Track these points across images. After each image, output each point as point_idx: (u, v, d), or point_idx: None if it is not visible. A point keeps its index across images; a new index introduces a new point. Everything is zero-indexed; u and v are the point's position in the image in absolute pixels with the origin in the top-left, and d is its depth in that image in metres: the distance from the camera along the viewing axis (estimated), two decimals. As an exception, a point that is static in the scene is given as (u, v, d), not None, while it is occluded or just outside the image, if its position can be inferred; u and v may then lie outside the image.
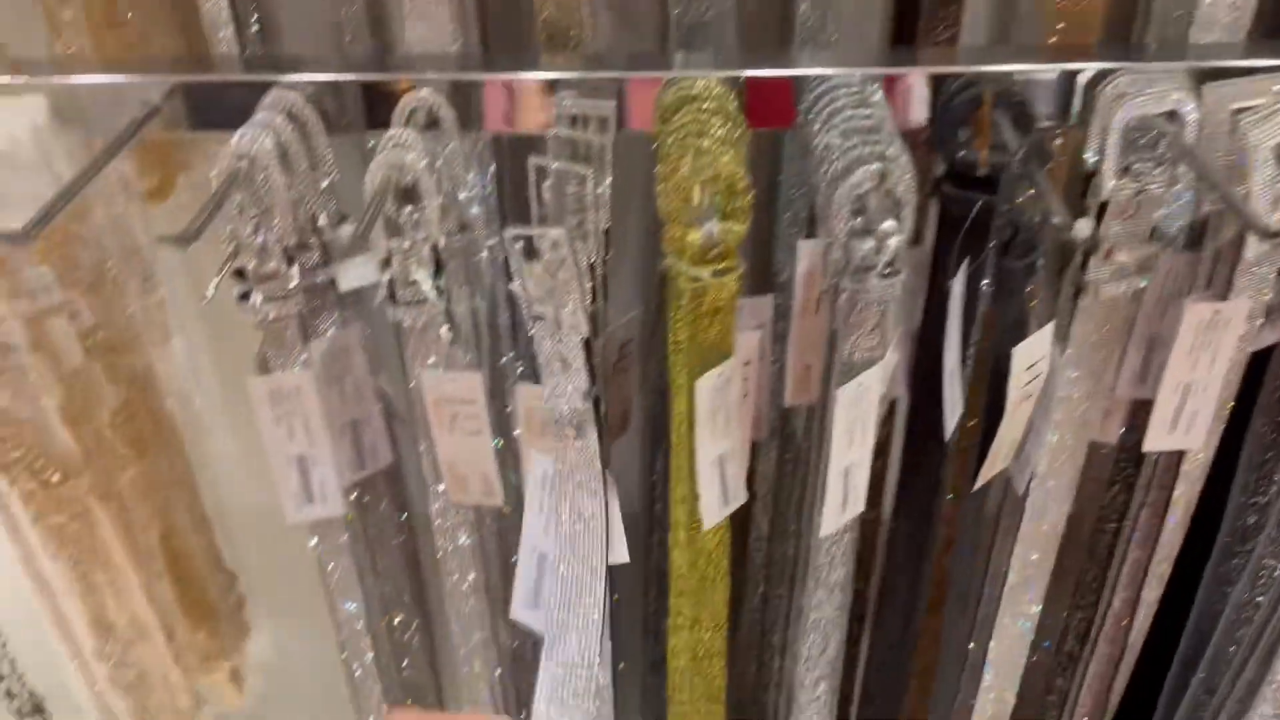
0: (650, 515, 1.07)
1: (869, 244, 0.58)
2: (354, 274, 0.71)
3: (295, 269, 0.66)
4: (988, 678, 0.89)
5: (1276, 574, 0.79)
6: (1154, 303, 0.75)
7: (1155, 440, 0.75)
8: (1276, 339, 0.75)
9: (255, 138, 0.63)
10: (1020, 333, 0.67)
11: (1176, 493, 0.79)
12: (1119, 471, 0.86)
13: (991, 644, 0.86)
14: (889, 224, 0.53)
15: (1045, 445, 0.76)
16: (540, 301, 0.63)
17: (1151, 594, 0.87)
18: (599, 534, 0.70)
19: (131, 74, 0.69)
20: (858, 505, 0.69)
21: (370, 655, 0.85)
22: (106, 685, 0.81)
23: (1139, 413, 0.83)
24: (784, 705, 0.83)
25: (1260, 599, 0.81)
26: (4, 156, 0.64)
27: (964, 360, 0.74)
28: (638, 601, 1.15)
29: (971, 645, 0.88)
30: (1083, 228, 0.54)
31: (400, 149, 0.63)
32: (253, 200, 0.65)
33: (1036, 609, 0.85)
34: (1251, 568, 0.80)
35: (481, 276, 0.80)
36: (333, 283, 0.71)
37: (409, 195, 0.65)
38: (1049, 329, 0.66)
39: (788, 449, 0.84)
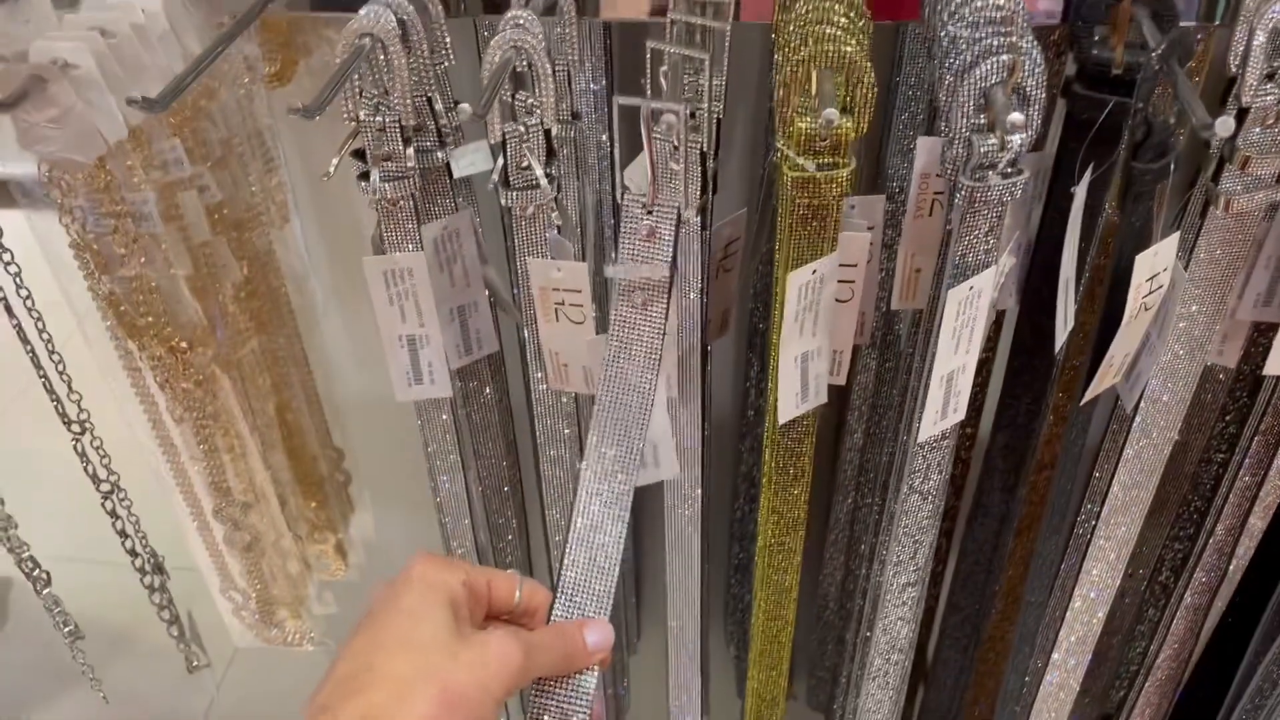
0: (743, 421, 1.08)
1: (992, 140, 0.57)
2: (467, 161, 0.72)
3: (411, 150, 0.67)
4: (1078, 600, 0.88)
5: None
6: (1287, 222, 0.72)
7: (1277, 363, 0.72)
8: None
9: (379, 15, 0.64)
10: (1145, 240, 0.65)
11: (1294, 422, 0.76)
12: (1233, 399, 0.83)
13: (1085, 564, 0.85)
14: (1016, 116, 0.51)
15: (1159, 363, 0.74)
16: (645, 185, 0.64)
17: (1258, 523, 0.85)
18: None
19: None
20: (959, 413, 0.69)
21: (470, 533, 0.88)
22: (224, 546, 0.85)
23: (1260, 338, 0.80)
24: (869, 609, 0.84)
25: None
26: (138, 29, 0.66)
27: (1080, 272, 0.72)
28: (725, 507, 1.17)
29: (1063, 566, 0.87)
30: (1224, 126, 0.52)
31: (520, 29, 0.63)
32: (374, 81, 0.66)
33: (1135, 530, 0.84)
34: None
35: (591, 170, 0.81)
36: (447, 167, 0.73)
37: (523, 80, 0.65)
38: (1174, 238, 0.64)
39: (888, 356, 0.83)
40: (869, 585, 0.85)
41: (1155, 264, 0.64)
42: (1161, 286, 0.66)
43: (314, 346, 0.95)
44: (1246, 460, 0.81)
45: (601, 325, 0.78)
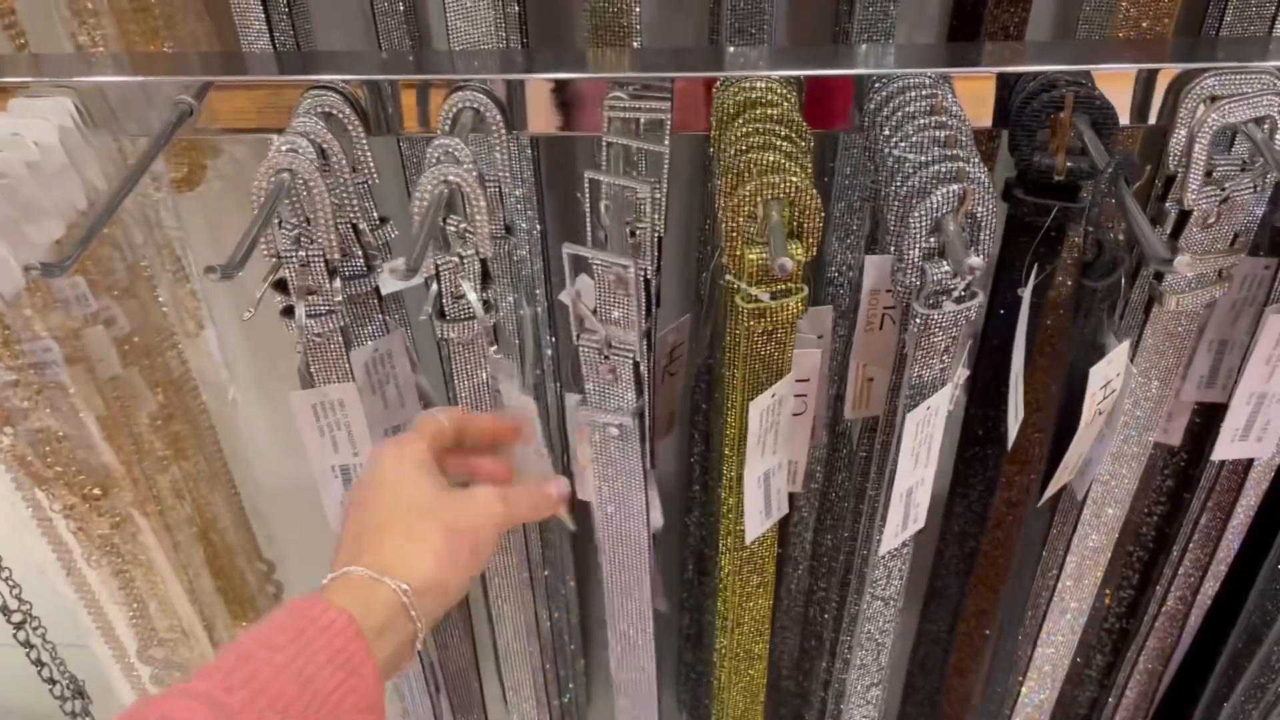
0: (688, 495, 1.06)
1: (945, 267, 0.55)
2: (399, 282, 0.69)
3: (338, 283, 0.64)
4: (1032, 678, 0.88)
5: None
6: (1228, 308, 0.72)
7: (1225, 449, 0.73)
8: (1355, 344, 0.72)
9: (296, 146, 0.60)
10: (1097, 351, 0.64)
11: (1241, 499, 0.77)
12: (1181, 473, 0.84)
13: (1041, 639, 0.85)
14: (975, 260, 0.50)
15: (1110, 450, 0.73)
16: (592, 318, 0.61)
17: (1208, 590, 0.85)
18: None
19: (163, 74, 0.66)
20: (918, 522, 0.67)
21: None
22: (152, 686, 0.80)
23: (1203, 415, 0.81)
24: (834, 704, 0.82)
25: (1322, 603, 0.79)
26: (33, 168, 0.61)
27: (1027, 367, 0.71)
28: (674, 583, 1.15)
29: (1025, 628, 0.87)
30: (1183, 264, 0.51)
31: (450, 158, 0.60)
32: (293, 209, 0.62)
33: (1089, 604, 0.84)
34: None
35: (525, 281, 0.78)
36: (375, 289, 0.69)
37: (451, 201, 0.62)
38: (1124, 347, 0.64)
39: (839, 448, 0.82)
40: (830, 680, 0.84)
41: (1108, 373, 0.63)
42: (1114, 391, 0.66)
43: (237, 456, 0.90)
44: (1196, 535, 0.82)
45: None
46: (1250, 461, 0.75)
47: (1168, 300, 0.64)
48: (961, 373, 0.62)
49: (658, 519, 0.72)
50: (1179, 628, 0.88)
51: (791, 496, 0.84)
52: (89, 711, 0.92)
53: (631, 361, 0.62)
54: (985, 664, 1.03)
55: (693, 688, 1.22)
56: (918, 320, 0.57)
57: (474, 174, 0.60)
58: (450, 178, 0.58)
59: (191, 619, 0.80)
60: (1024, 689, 0.89)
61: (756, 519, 0.68)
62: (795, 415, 0.66)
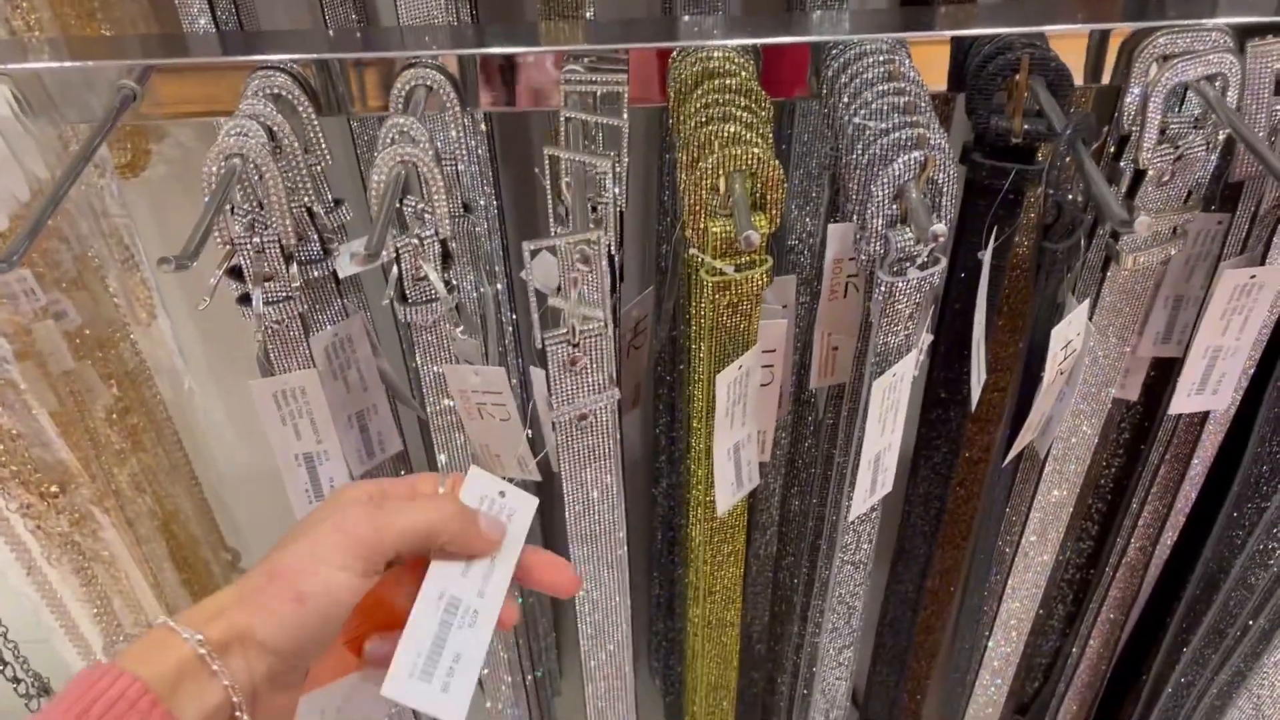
0: (655, 465, 1.06)
1: (909, 234, 0.56)
2: (356, 266, 0.68)
3: (295, 269, 0.63)
4: (999, 632, 0.89)
5: (1295, 524, 0.79)
6: (1182, 264, 0.73)
7: (1181, 403, 0.74)
8: (1305, 296, 0.73)
9: (246, 130, 0.59)
10: (1057, 312, 0.65)
11: (1198, 451, 0.78)
12: (1138, 426, 0.85)
13: (1008, 589, 0.87)
14: (938, 227, 0.50)
15: (1071, 406, 0.74)
16: (557, 299, 0.61)
17: (1167, 540, 0.87)
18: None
19: (102, 58, 0.64)
20: (886, 486, 0.68)
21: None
22: (120, 681, 0.79)
23: (1159, 369, 0.82)
24: (806, 668, 0.83)
25: (1277, 547, 0.81)
26: (-29, 158, 0.59)
27: (990, 329, 0.72)
28: (642, 545, 1.16)
29: (991, 579, 0.88)
30: (1143, 225, 0.52)
31: (406, 139, 0.59)
32: (245, 194, 0.61)
33: (1052, 558, 0.85)
34: (1270, 516, 0.80)
35: (485, 258, 0.77)
36: (333, 273, 0.68)
37: (407, 183, 0.61)
38: (1084, 307, 0.64)
39: (804, 415, 0.82)
40: (803, 644, 0.85)
41: (1068, 332, 0.64)
42: (1075, 351, 0.66)
43: (196, 446, 0.89)
44: (1155, 486, 0.83)
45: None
46: (1206, 414, 0.77)
47: (1125, 259, 0.65)
48: (925, 338, 0.62)
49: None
50: (1139, 577, 0.90)
51: (760, 465, 0.85)
52: (55, 709, 0.91)
53: (599, 339, 0.61)
54: (952, 621, 1.04)
55: (664, 656, 1.23)
56: (882, 288, 0.57)
57: (430, 153, 0.59)
58: (407, 158, 0.57)
59: (157, 613, 0.79)
60: (990, 643, 0.90)
61: (728, 490, 0.68)
62: (763, 386, 0.66)
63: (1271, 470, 0.82)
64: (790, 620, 0.90)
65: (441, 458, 0.72)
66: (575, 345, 0.59)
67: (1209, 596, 0.89)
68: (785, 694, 0.94)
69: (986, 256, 0.66)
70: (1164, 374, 0.83)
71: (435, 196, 0.60)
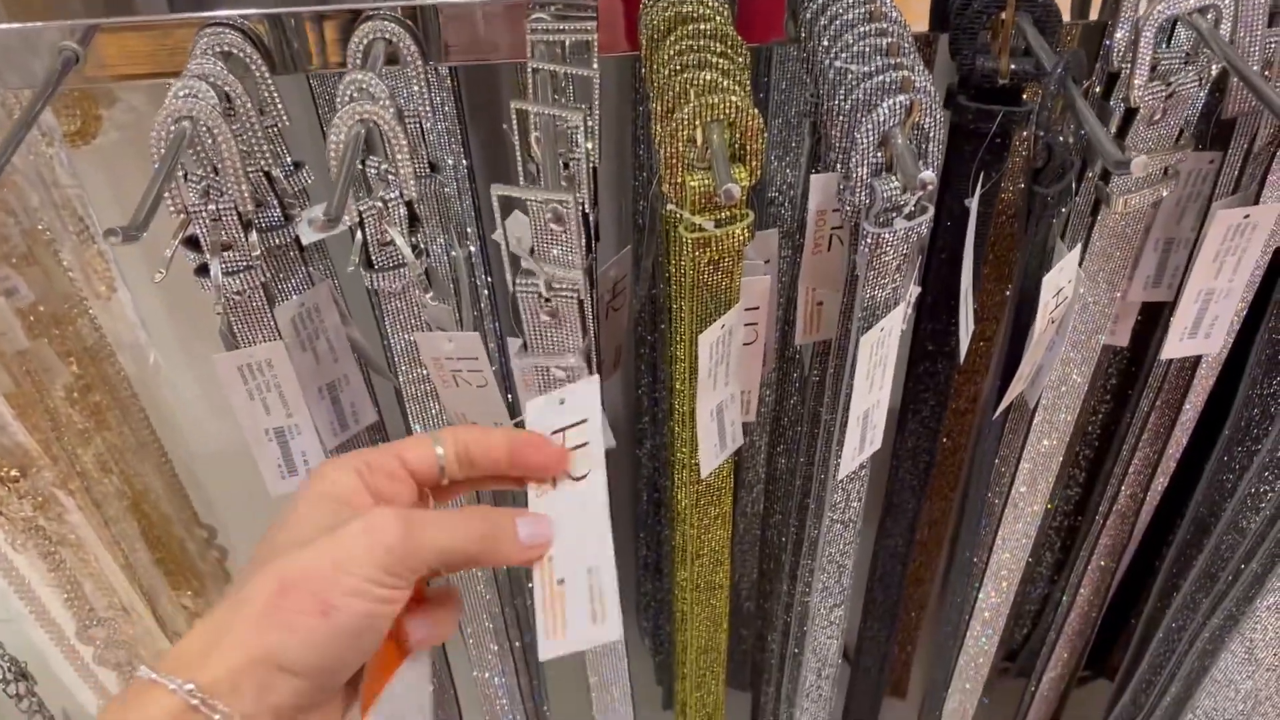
0: (637, 427, 1.04)
1: (895, 183, 0.53)
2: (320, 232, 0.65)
3: (255, 236, 0.60)
4: (989, 583, 0.88)
5: (1287, 467, 0.78)
6: (1173, 205, 0.71)
7: (1173, 348, 0.72)
8: (1298, 235, 0.72)
9: (195, 91, 0.55)
10: (1046, 258, 0.63)
11: (1189, 396, 0.77)
12: (1127, 372, 0.84)
13: (999, 537, 0.85)
14: (927, 175, 0.48)
15: (1061, 355, 0.73)
16: (529, 259, 0.58)
17: (1158, 487, 0.86)
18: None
19: (43, 18, 0.60)
20: (875, 444, 0.66)
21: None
22: (96, 666, 0.77)
23: (1148, 315, 0.81)
24: (796, 627, 0.82)
25: (1269, 490, 0.80)
26: (-96, 130, 0.55)
27: (977, 279, 0.70)
28: (627, 508, 1.14)
29: (982, 527, 0.87)
30: (1139, 165, 0.50)
31: (365, 96, 0.56)
32: (199, 159, 0.58)
33: (1044, 500, 0.84)
34: (1261, 460, 0.79)
35: (455, 220, 0.74)
36: (296, 239, 0.65)
37: (370, 141, 0.58)
38: (1075, 253, 0.62)
39: (790, 372, 0.80)
40: (793, 603, 0.83)
41: (1059, 280, 0.62)
42: (1066, 299, 0.64)
43: (164, 422, 0.86)
44: (1145, 433, 0.82)
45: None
46: (1198, 358, 0.75)
47: (1116, 202, 0.63)
48: (913, 291, 0.60)
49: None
50: (1130, 524, 0.89)
51: (744, 425, 0.83)
52: (34, 692, 0.89)
53: (575, 300, 0.59)
54: (941, 573, 1.04)
55: (654, 616, 1.23)
56: (868, 240, 0.55)
57: (391, 110, 0.56)
58: (366, 116, 0.54)
59: (130, 595, 0.77)
60: (979, 595, 0.90)
61: (711, 452, 0.66)
62: (746, 344, 0.64)
63: (1262, 413, 0.81)
64: (779, 578, 0.89)
65: (417, 428, 0.70)
66: (547, 300, 0.57)
67: (1200, 541, 0.88)
68: (776, 652, 0.93)
69: (974, 203, 0.64)
70: (1153, 319, 0.81)
71: (398, 156, 0.57)
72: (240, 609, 0.40)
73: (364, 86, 0.56)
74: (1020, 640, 1.31)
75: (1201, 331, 0.72)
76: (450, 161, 0.72)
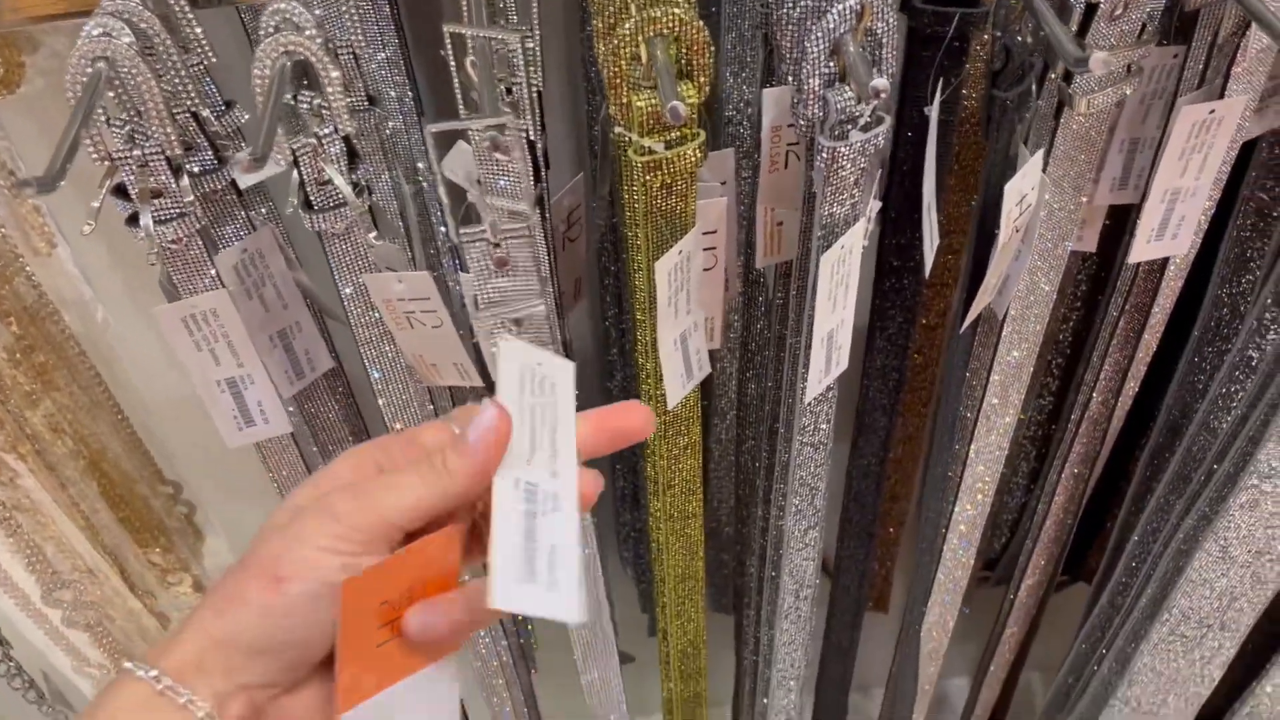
0: (606, 358, 1.02)
1: (849, 93, 0.51)
2: (259, 173, 0.62)
3: (186, 181, 0.57)
4: (965, 493, 0.88)
5: (1258, 364, 0.78)
6: (1137, 104, 0.69)
7: (1141, 251, 0.71)
8: (1263, 130, 0.70)
9: (109, 29, 0.52)
10: (1010, 165, 0.61)
11: (1158, 299, 0.76)
12: (1095, 278, 0.83)
13: (972, 454, 0.85)
14: (880, 82, 0.46)
15: (1027, 265, 0.71)
16: (477, 193, 0.56)
17: (1129, 392, 0.86)
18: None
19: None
20: (841, 365, 0.65)
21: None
22: (65, 629, 0.76)
23: (1115, 218, 0.79)
24: (773, 551, 0.82)
25: (1239, 390, 0.80)
26: None
27: (940, 190, 0.68)
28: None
29: (956, 448, 0.87)
30: (1098, 62, 0.48)
31: (290, 25, 0.53)
32: (121, 102, 0.55)
33: (1015, 418, 0.84)
34: (1232, 360, 0.79)
35: (400, 153, 0.71)
36: (232, 183, 0.62)
37: (304, 73, 0.55)
38: (1038, 158, 0.61)
39: (754, 296, 0.79)
40: (768, 527, 0.83)
41: (1023, 186, 0.60)
42: (1030, 205, 0.63)
43: (117, 379, 0.84)
44: (1115, 338, 0.81)
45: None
46: (1166, 261, 0.74)
47: (1078, 103, 0.61)
48: (873, 205, 0.59)
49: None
50: (1103, 430, 0.89)
51: (712, 352, 0.82)
52: (10, 656, 0.88)
53: (527, 241, 0.57)
54: (916, 490, 1.04)
55: (634, 545, 1.22)
56: (824, 154, 0.53)
57: (319, 41, 0.53)
58: (291, 48, 0.51)
59: (95, 557, 0.76)
60: (955, 509, 0.90)
61: (677, 383, 0.65)
62: (706, 270, 0.62)
63: (1231, 313, 0.80)
64: (754, 503, 0.88)
65: (375, 373, 0.68)
66: (496, 245, 0.55)
67: (1172, 444, 0.88)
68: (754, 575, 0.93)
69: (933, 111, 0.62)
70: (1120, 223, 0.80)
71: (330, 90, 0.54)
72: (207, 596, 0.40)
73: (288, 16, 0.53)
74: (998, 549, 1.32)
75: (1169, 232, 0.70)
76: (394, 94, 0.69)
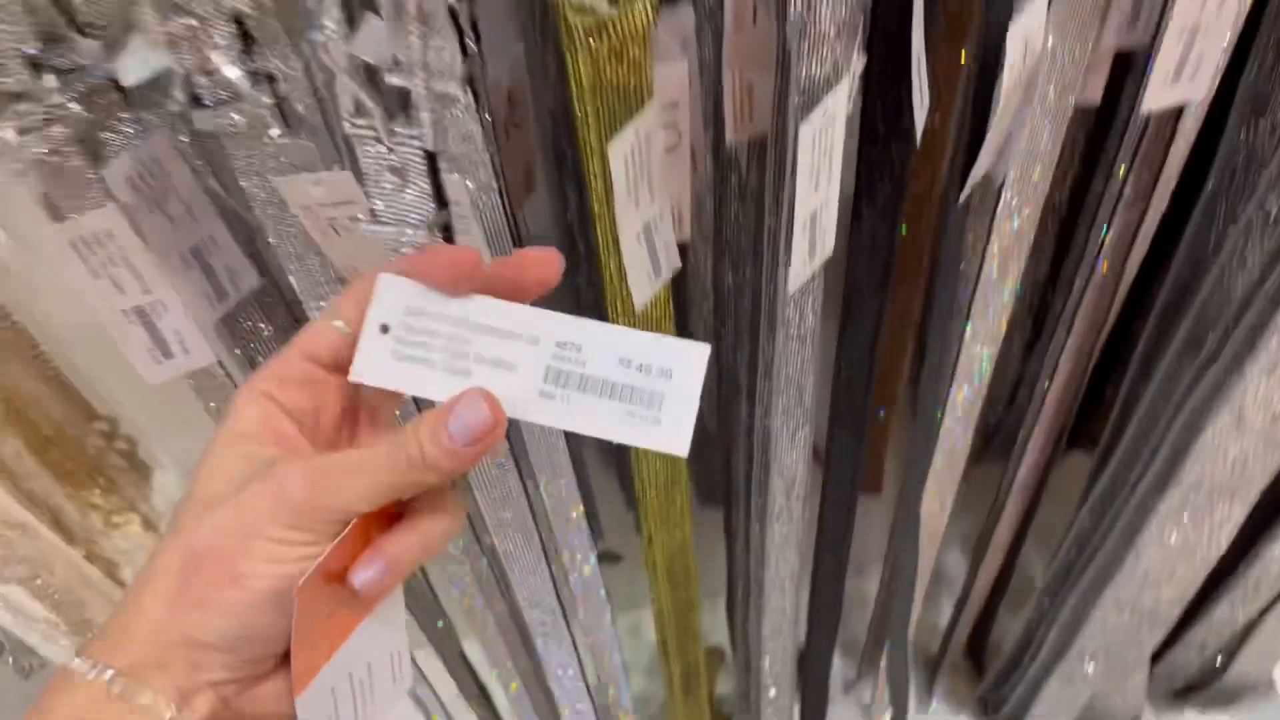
0: (572, 256, 0.95)
1: (824, -75, 0.43)
2: (139, 62, 0.53)
3: (53, 79, 0.48)
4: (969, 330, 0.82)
5: (1277, 218, 0.71)
6: (1150, -74, 0.61)
7: (1157, 95, 0.63)
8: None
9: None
10: (1006, 5, 0.53)
11: (1170, 152, 0.69)
12: (1097, 133, 0.75)
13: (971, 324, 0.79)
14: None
15: (1027, 123, 0.64)
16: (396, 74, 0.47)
17: (1137, 254, 0.79)
18: None
19: None
20: (827, 250, 0.58)
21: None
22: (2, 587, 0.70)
23: (1121, 67, 0.71)
24: (761, 452, 0.76)
25: (1257, 246, 0.73)
26: None
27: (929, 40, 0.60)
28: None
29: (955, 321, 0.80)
30: None
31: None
32: (-43, -9, 0.46)
33: (1015, 284, 0.77)
34: (1249, 212, 0.72)
35: (307, 24, 0.62)
36: (113, 80, 0.53)
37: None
38: (1042, 2, 0.52)
39: (727, 176, 0.71)
40: (753, 426, 0.77)
41: (1028, 28, 0.52)
42: (1034, 53, 0.55)
43: (30, 316, 0.76)
44: (1124, 197, 0.74)
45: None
46: (1179, 112, 0.67)
47: (1089, -73, 0.53)
48: (858, 62, 0.50)
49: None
50: (1109, 297, 0.83)
51: (683, 245, 0.74)
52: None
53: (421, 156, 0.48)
54: (907, 368, 0.98)
55: (615, 448, 1.17)
56: (797, 3, 0.45)
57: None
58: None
59: (20, 511, 0.69)
60: (952, 389, 0.84)
61: (644, 280, 0.57)
62: (668, 151, 0.54)
63: (1249, 158, 0.73)
64: (738, 400, 0.82)
65: (299, 288, 0.61)
66: (390, 150, 0.47)
67: (1181, 305, 0.82)
68: (742, 474, 0.87)
69: (921, -53, 0.53)
70: (1124, 74, 0.72)
71: (207, -42, 0.45)
72: (153, 584, 0.36)
73: None
74: (996, 422, 1.27)
75: (1185, 75, 0.62)
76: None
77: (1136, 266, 0.80)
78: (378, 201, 0.51)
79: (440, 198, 0.52)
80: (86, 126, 0.52)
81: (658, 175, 0.54)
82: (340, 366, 0.39)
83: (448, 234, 0.53)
